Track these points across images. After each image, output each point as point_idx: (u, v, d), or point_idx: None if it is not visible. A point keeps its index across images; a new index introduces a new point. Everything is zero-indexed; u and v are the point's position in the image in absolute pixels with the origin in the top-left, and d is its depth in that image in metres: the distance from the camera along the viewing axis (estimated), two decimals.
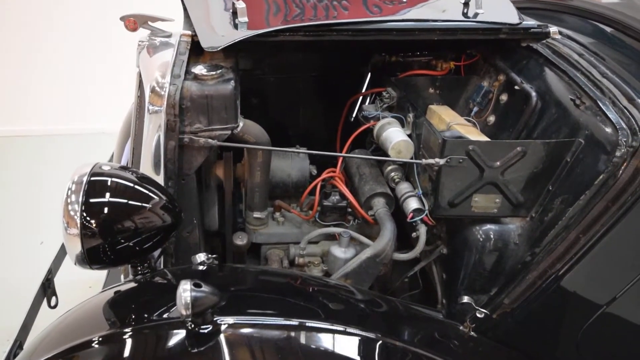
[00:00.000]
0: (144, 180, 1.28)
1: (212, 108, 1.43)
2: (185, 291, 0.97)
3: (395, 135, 1.63)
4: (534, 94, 1.58)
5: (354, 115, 2.25)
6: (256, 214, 1.74)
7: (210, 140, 1.44)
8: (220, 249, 1.84)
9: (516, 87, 1.66)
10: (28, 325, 1.76)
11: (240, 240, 1.68)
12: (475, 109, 1.86)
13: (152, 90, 1.41)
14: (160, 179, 1.44)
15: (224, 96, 1.42)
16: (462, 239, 1.58)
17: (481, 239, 1.53)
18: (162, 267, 1.57)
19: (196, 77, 1.44)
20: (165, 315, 1.07)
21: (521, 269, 1.48)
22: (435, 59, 2.05)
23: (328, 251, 1.66)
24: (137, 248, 1.24)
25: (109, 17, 2.11)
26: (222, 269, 1.37)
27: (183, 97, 1.40)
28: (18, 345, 1.64)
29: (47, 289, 1.92)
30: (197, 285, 0.99)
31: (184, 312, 0.96)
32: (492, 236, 1.53)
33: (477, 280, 1.57)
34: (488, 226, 1.54)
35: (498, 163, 1.43)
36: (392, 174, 1.72)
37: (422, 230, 1.56)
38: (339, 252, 1.63)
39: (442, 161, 1.42)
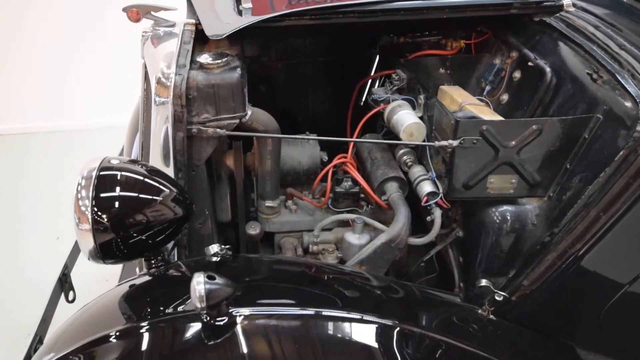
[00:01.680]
0: (154, 173, 1.27)
1: (219, 97, 1.41)
2: (199, 284, 0.96)
3: (406, 118, 1.60)
4: (548, 69, 1.54)
5: (363, 99, 2.22)
6: (268, 203, 1.72)
7: (218, 130, 1.42)
8: (234, 239, 1.84)
9: (530, 64, 1.61)
10: (47, 319, 1.78)
11: (253, 229, 1.67)
12: (488, 87, 1.81)
13: (158, 82, 1.39)
14: (170, 171, 1.43)
15: (230, 84, 1.40)
16: (478, 221, 1.55)
17: (498, 221, 1.51)
18: (175, 259, 1.57)
19: (202, 66, 1.41)
20: (180, 309, 1.07)
21: (540, 249, 1.45)
22: (445, 38, 2.00)
23: (342, 238, 1.64)
24: (150, 241, 1.24)
25: (113, 9, 2.08)
26: (235, 260, 1.36)
27: (189, 87, 1.38)
28: (38, 340, 1.65)
29: (64, 284, 1.94)
30: (210, 278, 0.98)
31: (198, 305, 0.95)
32: (509, 217, 1.50)
33: (494, 262, 1.54)
34: (504, 207, 1.51)
35: (513, 142, 1.40)
36: (405, 157, 1.69)
37: (437, 213, 1.53)
38: (353, 238, 1.61)
39: (455, 143, 1.39)
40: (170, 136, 1.39)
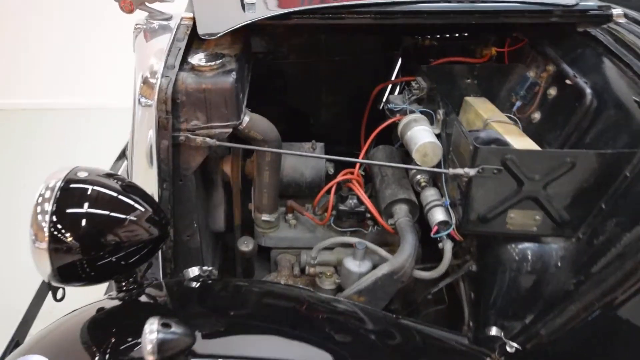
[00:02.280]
0: (128, 188, 1.13)
1: (210, 103, 1.26)
2: (152, 332, 0.83)
3: (421, 136, 1.42)
4: (588, 90, 1.34)
5: (382, 105, 2.05)
6: (265, 217, 1.58)
7: (208, 139, 1.28)
8: (230, 251, 1.71)
9: (568, 82, 1.41)
10: (28, 321, 1.68)
11: (246, 246, 1.53)
12: (519, 103, 1.62)
13: (144, 82, 1.26)
14: (154, 180, 1.30)
15: (223, 90, 1.25)
16: (494, 257, 1.38)
17: (517, 259, 1.34)
18: (160, 272, 1.45)
19: (193, 68, 1.27)
20: (131, 355, 0.94)
21: (563, 297, 1.28)
22: (475, 43, 1.81)
23: (342, 263, 1.49)
24: (121, 263, 1.11)
25: None
26: (216, 285, 1.23)
27: (177, 91, 1.24)
28: (14, 344, 1.56)
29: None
30: (165, 325, 0.84)
31: (149, 358, 0.82)
32: (529, 256, 1.33)
33: (509, 304, 1.37)
34: (525, 244, 1.34)
35: (540, 175, 1.21)
36: (418, 176, 1.52)
37: (448, 246, 1.37)
38: (353, 265, 1.46)
39: (472, 171, 1.21)
40: (153, 144, 1.26)
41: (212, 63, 1.27)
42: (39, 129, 4.30)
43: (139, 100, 1.26)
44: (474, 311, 1.50)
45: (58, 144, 4.09)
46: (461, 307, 1.58)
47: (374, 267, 1.51)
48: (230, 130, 1.31)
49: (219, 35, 1.27)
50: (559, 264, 1.31)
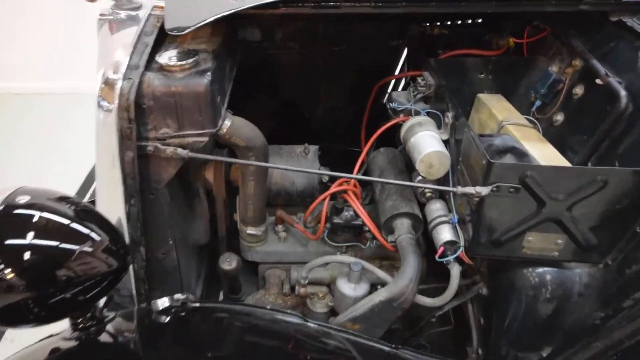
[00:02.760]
0: (82, 214, 0.98)
1: (182, 108, 1.10)
2: None
3: (426, 143, 1.24)
4: (623, 92, 1.15)
5: (384, 98, 1.86)
6: (250, 230, 1.42)
7: (180, 150, 1.12)
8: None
9: (598, 81, 1.22)
10: None
11: (228, 264, 1.38)
12: (539, 102, 1.43)
13: (106, 82, 1.09)
14: (119, 196, 1.14)
15: (195, 93, 1.08)
16: (508, 281, 1.23)
17: (534, 284, 1.18)
18: (134, 293, 1.31)
19: (162, 68, 1.10)
20: None
21: (587, 331, 1.12)
22: (490, 32, 1.61)
23: (335, 285, 1.33)
24: (77, 299, 0.96)
25: None
26: (189, 319, 1.08)
27: (143, 95, 1.07)
28: None
29: None
30: None
31: None
32: (548, 281, 1.17)
33: (524, 334, 1.22)
34: (544, 268, 1.19)
35: (565, 195, 1.04)
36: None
37: (455, 271, 1.20)
38: (348, 288, 1.30)
39: (485, 191, 1.04)
40: (116, 155, 1.09)
41: (183, 62, 1.09)
42: (30, 114, 4.16)
43: (99, 103, 1.09)
44: (484, 337, 1.35)
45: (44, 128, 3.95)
46: (469, 329, 1.42)
47: (372, 287, 1.36)
48: (205, 139, 1.14)
49: (188, 30, 1.09)
50: (583, 292, 1.15)
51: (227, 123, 1.22)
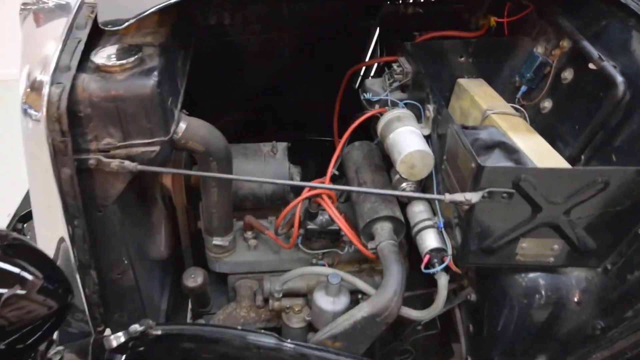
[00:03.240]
0: (10, 250, 0.82)
1: (125, 115, 0.94)
2: None
3: (407, 141, 1.12)
4: (620, 79, 1.05)
5: (357, 84, 1.72)
6: (216, 241, 1.28)
7: (127, 163, 0.97)
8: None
9: (591, 66, 1.11)
10: None
11: (193, 280, 1.24)
12: (524, 88, 1.33)
13: (32, 86, 0.92)
14: (59, 217, 0.99)
15: (141, 97, 0.93)
16: (499, 287, 1.14)
17: (526, 290, 1.10)
18: (89, 319, 1.17)
19: (99, 69, 0.93)
20: None
21: (585, 340, 1.05)
22: (469, 9, 1.48)
23: (313, 298, 1.21)
24: (13, 348, 0.82)
25: None
26: (147, 355, 0.95)
27: (78, 101, 0.91)
28: None
29: None
30: None
31: None
32: (542, 287, 1.09)
33: (517, 342, 1.15)
34: (537, 273, 1.09)
35: (563, 198, 0.94)
36: (404, 184, 1.22)
37: (443, 281, 1.10)
38: (326, 302, 1.18)
39: (475, 198, 0.93)
40: (50, 172, 0.94)
41: (124, 61, 0.93)
42: None
43: (25, 110, 0.93)
44: (473, 345, 1.26)
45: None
46: (456, 334, 1.34)
47: (353, 298, 1.25)
48: (157, 148, 0.99)
49: (127, 24, 0.92)
50: (579, 299, 1.07)
51: (182, 126, 1.07)
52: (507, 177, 0.92)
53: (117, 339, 0.96)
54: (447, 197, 0.95)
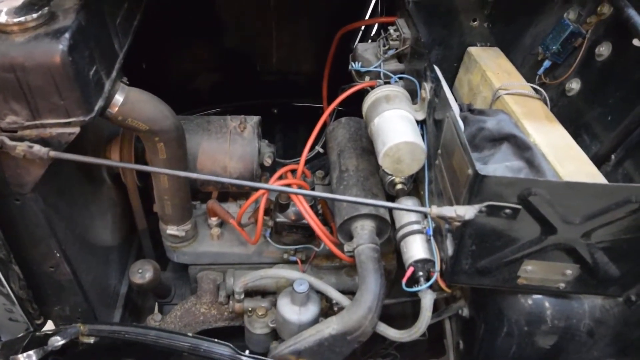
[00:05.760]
0: None
1: (30, 88, 0.74)
2: None
3: (394, 129, 0.91)
4: None
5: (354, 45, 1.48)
6: (171, 230, 1.10)
7: (37, 147, 0.78)
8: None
9: (636, 42, 0.87)
10: None
11: (141, 277, 1.07)
12: (548, 62, 1.09)
13: None
14: None
15: (47, 67, 0.73)
16: (496, 306, 0.96)
17: (529, 314, 0.91)
18: (21, 313, 1.02)
19: None
20: None
21: None
22: None
23: (277, 304, 1.04)
24: None
25: None
26: None
27: None
28: None
29: None
30: None
31: None
32: (547, 312, 0.92)
33: None
34: (542, 295, 0.89)
35: (582, 219, 0.73)
36: (391, 177, 1.02)
37: (427, 300, 0.92)
38: (291, 312, 1.01)
39: (470, 213, 0.73)
40: None
41: (27, 17, 0.72)
42: None
43: None
44: None
45: None
46: (444, 347, 1.17)
47: (325, 305, 1.08)
48: (75, 129, 0.80)
49: None
50: (594, 329, 0.89)
51: (119, 99, 0.87)
52: (512, 189, 0.71)
53: (28, 357, 0.81)
54: (434, 210, 0.75)
